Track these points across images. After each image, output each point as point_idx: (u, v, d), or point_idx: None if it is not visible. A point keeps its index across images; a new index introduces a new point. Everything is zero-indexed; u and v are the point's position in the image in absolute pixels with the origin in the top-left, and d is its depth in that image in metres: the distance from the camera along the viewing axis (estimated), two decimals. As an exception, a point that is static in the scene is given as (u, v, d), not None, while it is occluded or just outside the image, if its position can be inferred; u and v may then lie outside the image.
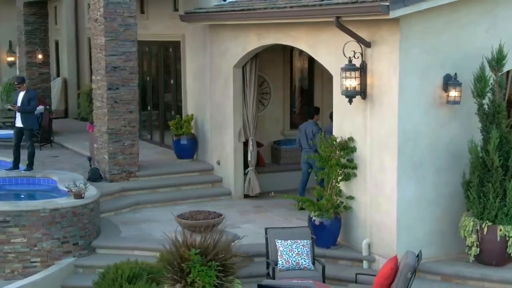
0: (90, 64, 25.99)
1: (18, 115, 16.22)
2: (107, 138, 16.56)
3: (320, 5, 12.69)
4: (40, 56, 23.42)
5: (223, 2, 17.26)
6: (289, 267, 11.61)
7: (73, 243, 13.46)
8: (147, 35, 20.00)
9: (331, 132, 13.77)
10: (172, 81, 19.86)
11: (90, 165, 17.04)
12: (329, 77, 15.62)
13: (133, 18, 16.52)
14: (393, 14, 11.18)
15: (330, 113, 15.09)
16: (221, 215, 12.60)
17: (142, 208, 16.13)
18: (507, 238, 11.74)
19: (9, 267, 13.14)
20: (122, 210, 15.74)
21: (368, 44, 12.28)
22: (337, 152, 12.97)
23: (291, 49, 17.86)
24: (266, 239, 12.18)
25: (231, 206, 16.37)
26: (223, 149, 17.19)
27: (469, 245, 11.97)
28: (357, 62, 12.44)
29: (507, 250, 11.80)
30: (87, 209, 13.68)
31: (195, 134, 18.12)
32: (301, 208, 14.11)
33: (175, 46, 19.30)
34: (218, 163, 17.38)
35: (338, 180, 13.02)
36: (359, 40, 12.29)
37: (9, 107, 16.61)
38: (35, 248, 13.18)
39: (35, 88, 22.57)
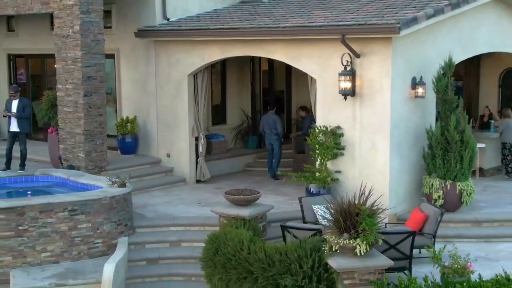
0: None
1: (13, 121, 16.09)
2: (83, 139, 16.84)
3: (330, 25, 14.69)
4: None
5: (166, 22, 18.33)
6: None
7: (124, 224, 14.09)
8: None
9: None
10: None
11: (62, 163, 17.15)
12: (239, 81, 19.67)
13: (101, 35, 16.97)
14: (402, 33, 13.65)
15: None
16: (258, 192, 13.97)
17: (126, 196, 16.72)
18: (462, 191, 14.70)
19: (76, 249, 13.49)
20: (114, 199, 16.23)
21: (358, 55, 14.54)
22: (329, 137, 15.04)
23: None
24: (301, 206, 13.96)
25: (196, 189, 17.63)
26: (174, 144, 18.27)
27: (436, 198, 14.72)
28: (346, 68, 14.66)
29: (461, 199, 14.77)
30: (130, 195, 14.35)
31: (136, 133, 18.81)
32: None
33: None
34: (168, 156, 18.42)
35: (328, 158, 15.10)
36: (353, 52, 14.50)
37: (4, 114, 16.19)
38: (98, 231, 13.65)
39: None
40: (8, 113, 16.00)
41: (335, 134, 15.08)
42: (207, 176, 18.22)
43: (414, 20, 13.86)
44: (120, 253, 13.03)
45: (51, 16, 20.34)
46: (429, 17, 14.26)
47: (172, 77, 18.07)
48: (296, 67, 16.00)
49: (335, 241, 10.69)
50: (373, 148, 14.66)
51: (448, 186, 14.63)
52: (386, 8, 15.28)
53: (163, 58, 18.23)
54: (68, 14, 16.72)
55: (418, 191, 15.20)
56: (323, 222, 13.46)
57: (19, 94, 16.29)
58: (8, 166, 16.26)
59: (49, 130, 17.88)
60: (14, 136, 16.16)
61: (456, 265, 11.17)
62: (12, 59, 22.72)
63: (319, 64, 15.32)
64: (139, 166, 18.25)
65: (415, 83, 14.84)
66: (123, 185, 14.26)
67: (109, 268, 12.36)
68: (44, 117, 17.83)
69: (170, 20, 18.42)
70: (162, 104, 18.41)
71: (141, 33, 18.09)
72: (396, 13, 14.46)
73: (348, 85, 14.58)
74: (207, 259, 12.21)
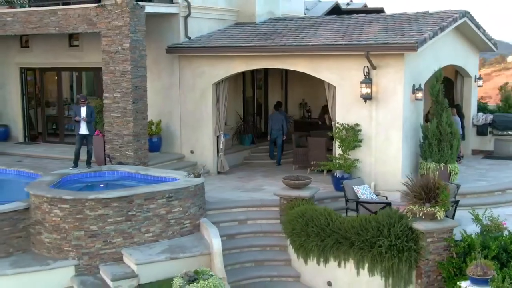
0: None
1: (82, 125, 16.29)
2: (132, 139, 17.29)
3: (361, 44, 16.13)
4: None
5: (187, 40, 19.08)
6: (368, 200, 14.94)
7: (203, 208, 14.87)
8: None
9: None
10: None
11: (110, 161, 17.45)
12: (234, 89, 20.67)
13: (144, 51, 17.44)
14: (419, 50, 15.40)
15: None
16: (310, 178, 15.20)
17: (172, 186, 17.33)
18: (451, 172, 16.67)
19: (171, 229, 14.14)
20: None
21: (375, 67, 16.15)
22: (350, 133, 16.54)
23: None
24: (343, 187, 15.35)
25: (223, 179, 18.48)
26: (198, 142, 19.06)
27: (432, 178, 16.62)
28: (361, 77, 16.22)
29: (450, 178, 16.72)
30: (203, 184, 15.11)
31: (160, 134, 19.39)
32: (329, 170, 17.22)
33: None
34: (192, 152, 19.17)
35: (349, 149, 16.60)
36: (372, 65, 16.09)
37: (77, 119, 16.27)
38: (187, 214, 14.36)
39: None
40: (80, 118, 16.18)
41: (355, 130, 16.57)
42: (226, 168, 19.17)
43: (424, 41, 15.65)
44: (216, 230, 13.84)
45: (69, 35, 20.61)
46: (430, 38, 16.09)
47: (197, 86, 18.83)
48: (317, 76, 17.30)
49: (420, 209, 12.21)
50: (387, 140, 16.31)
51: (442, 168, 16.53)
52: (388, 31, 16.93)
53: (187, 70, 18.94)
54: (117, 33, 17.07)
55: (415, 172, 16.99)
56: (363, 197, 14.97)
57: (86, 101, 16.49)
58: (76, 164, 16.42)
59: (96, 133, 18.06)
60: (83, 138, 16.35)
61: (493, 224, 13.00)
62: (24, 72, 22.35)
63: (338, 74, 16.76)
64: (169, 161, 18.82)
65: (415, 89, 16.65)
66: (198, 175, 15.02)
67: (217, 241, 13.24)
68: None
69: (191, 38, 19.12)
70: (186, 108, 19.12)
71: (172, 49, 18.72)
72: (404, 35, 16.18)
73: (368, 90, 16.14)
74: (299, 230, 13.33)
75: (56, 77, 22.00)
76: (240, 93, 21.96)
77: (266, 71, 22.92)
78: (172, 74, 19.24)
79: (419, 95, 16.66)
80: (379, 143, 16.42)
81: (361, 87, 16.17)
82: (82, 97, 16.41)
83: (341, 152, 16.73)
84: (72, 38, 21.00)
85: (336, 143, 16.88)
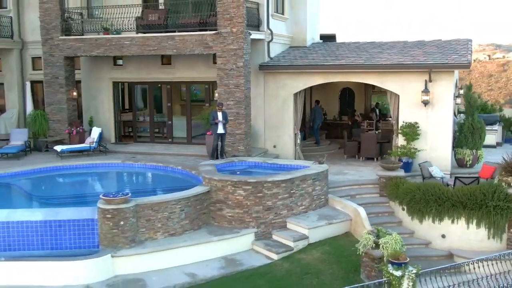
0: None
1: (220, 126, 17.45)
2: (243, 137, 18.76)
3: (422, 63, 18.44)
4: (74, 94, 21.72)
5: (269, 59, 20.67)
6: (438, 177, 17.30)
7: (328, 186, 16.58)
8: (192, 78, 21.47)
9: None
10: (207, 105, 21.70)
11: (225, 154, 18.68)
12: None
13: (250, 68, 18.96)
14: (470, 68, 17.96)
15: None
16: (399, 162, 17.32)
17: (275, 173, 18.84)
18: (479, 156, 19.38)
19: (314, 203, 15.80)
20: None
21: (431, 80, 18.54)
22: (412, 129, 18.84)
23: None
24: (421, 168, 17.60)
25: (305, 166, 20.14)
26: (279, 138, 20.67)
27: (467, 160, 19.22)
28: (420, 88, 18.58)
29: (478, 160, 19.44)
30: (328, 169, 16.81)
31: (247, 133, 20.81)
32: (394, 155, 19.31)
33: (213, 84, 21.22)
34: (274, 146, 20.76)
35: (411, 141, 18.88)
36: (430, 78, 18.48)
37: (216, 121, 17.36)
38: (322, 191, 16.06)
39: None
40: (219, 121, 17.35)
41: (414, 127, 18.86)
42: (302, 158, 20.82)
43: (472, 61, 18.21)
44: (352, 202, 15.63)
45: (162, 56, 21.58)
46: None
47: (279, 96, 20.44)
48: (382, 87, 19.45)
49: (513, 180, 14.66)
50: (439, 134, 18.69)
51: (474, 153, 19.17)
52: (432, 54, 19.29)
53: (271, 83, 20.51)
54: (232, 55, 18.45)
55: (452, 157, 19.54)
56: (437, 175, 17.25)
57: (222, 107, 17.70)
58: (213, 156, 17.57)
59: (208, 133, 19.20)
60: (219, 136, 17.54)
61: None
62: (116, 85, 22.94)
63: (400, 85, 18.98)
64: (258, 154, 20.14)
65: (455, 96, 19.19)
66: (322, 163, 16.73)
67: (362, 209, 15.04)
68: (206, 124, 19.18)
69: (272, 58, 20.73)
70: (269, 113, 20.67)
71: (263, 67, 20.26)
72: (451, 57, 18.64)
73: (427, 98, 18.49)
74: (418, 199, 15.38)
75: (133, 90, 22.82)
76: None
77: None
78: (257, 86, 20.70)
79: (458, 100, 19.22)
80: (433, 136, 18.78)
81: (422, 95, 18.48)
82: (219, 104, 17.61)
83: (403, 143, 18.94)
84: (164, 58, 21.89)
85: (400, 137, 19.05)
